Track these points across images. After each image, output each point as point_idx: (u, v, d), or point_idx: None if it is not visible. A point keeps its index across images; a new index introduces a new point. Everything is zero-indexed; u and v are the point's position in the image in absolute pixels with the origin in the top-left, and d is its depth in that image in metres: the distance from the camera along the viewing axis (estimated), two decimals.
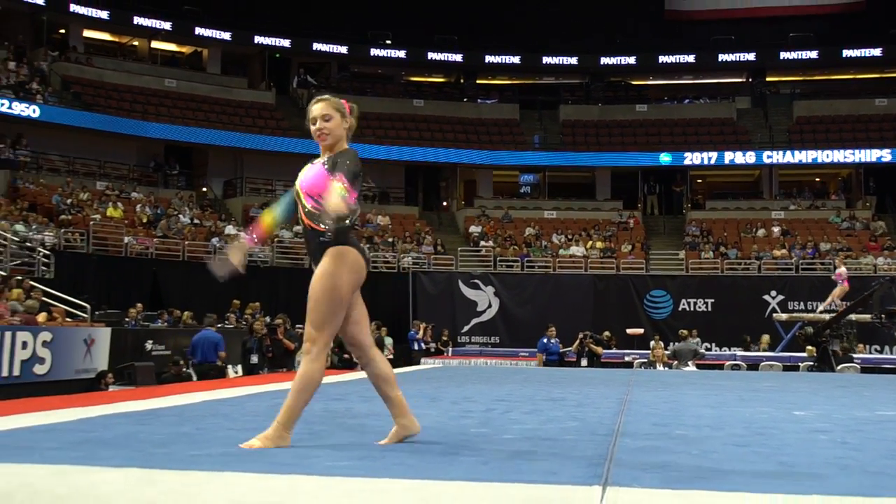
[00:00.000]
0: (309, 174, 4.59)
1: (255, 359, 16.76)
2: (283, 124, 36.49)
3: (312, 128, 4.62)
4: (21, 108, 30.41)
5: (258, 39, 39.30)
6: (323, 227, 4.42)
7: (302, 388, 4.41)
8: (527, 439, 4.81)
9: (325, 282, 4.41)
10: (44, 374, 12.39)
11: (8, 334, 12.15)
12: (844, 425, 5.94)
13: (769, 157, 36.04)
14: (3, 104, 30.08)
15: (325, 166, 4.51)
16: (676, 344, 18.53)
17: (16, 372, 12.02)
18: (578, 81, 42.93)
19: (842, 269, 20.71)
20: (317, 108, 4.62)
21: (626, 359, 20.36)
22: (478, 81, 42.96)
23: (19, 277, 17.28)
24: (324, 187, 4.36)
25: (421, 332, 21.92)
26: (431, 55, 41.28)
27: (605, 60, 41.50)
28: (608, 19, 42.06)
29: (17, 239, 21.71)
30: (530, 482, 3.32)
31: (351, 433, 5.07)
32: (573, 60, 41.47)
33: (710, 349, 21.67)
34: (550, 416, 6.26)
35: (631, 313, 24.95)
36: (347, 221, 4.45)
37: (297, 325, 20.19)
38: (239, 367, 17.54)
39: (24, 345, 12.27)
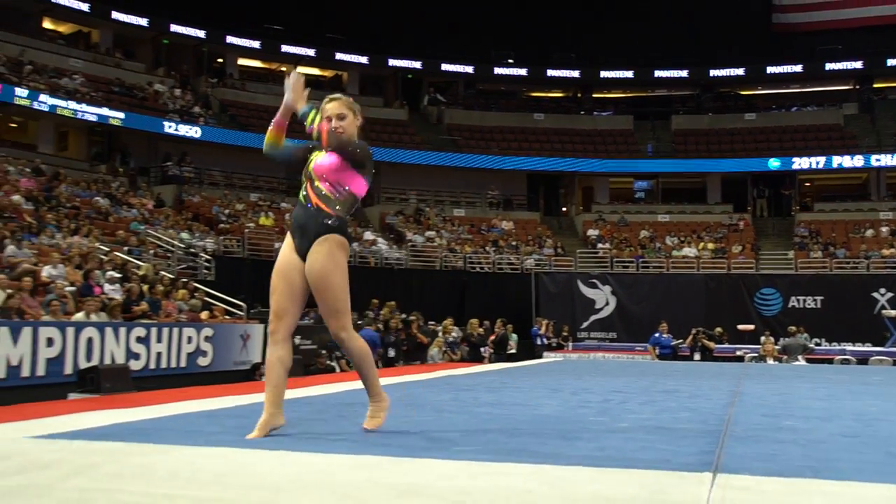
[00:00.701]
0: (325, 161, 4.44)
1: (391, 352, 16.96)
2: (416, 138, 36.91)
3: (326, 125, 4.46)
4: (186, 130, 31.56)
5: (392, 62, 39.83)
6: (333, 212, 4.33)
7: (367, 362, 4.46)
8: (641, 428, 4.74)
9: (340, 274, 4.32)
10: (206, 365, 12.79)
11: (176, 330, 12.61)
12: None
13: (877, 160, 34.61)
14: (171, 126, 31.27)
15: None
16: (786, 339, 17.98)
17: (183, 363, 12.45)
18: (689, 93, 42.12)
19: None
20: (331, 107, 4.52)
21: (738, 353, 19.83)
22: (594, 95, 42.56)
23: (185, 280, 17.91)
24: (343, 176, 4.37)
25: (543, 328, 21.82)
26: (550, 72, 41.12)
27: (714, 72, 40.61)
28: (717, 34, 41.06)
29: (182, 245, 22.50)
30: (644, 468, 3.29)
31: (477, 420, 5.07)
32: (684, 73, 40.74)
33: (819, 344, 20.93)
34: (664, 406, 6.15)
35: (742, 310, 24.30)
36: (347, 211, 4.41)
37: (430, 322, 20.39)
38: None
39: (189, 339, 12.70)
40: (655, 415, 5.52)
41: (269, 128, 4.64)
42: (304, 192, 4.41)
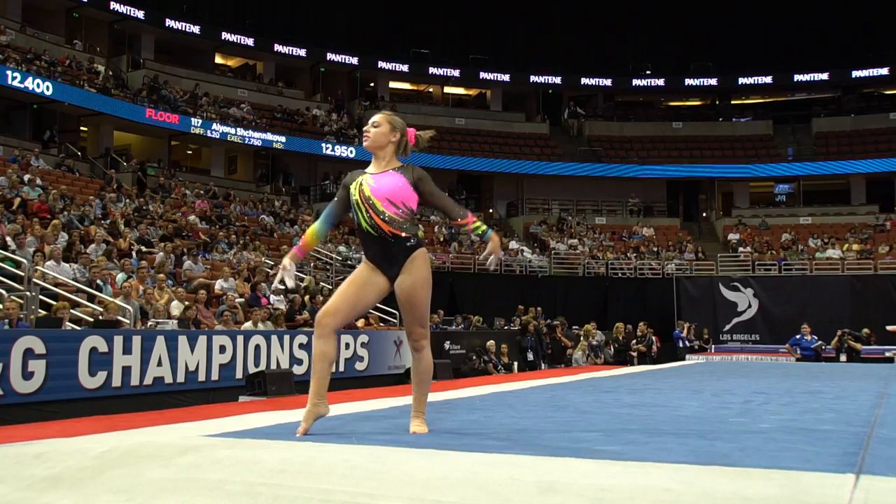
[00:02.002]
0: (384, 183, 4.33)
1: (530, 356, 16.90)
2: (557, 151, 36.75)
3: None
4: (341, 151, 32.44)
5: (533, 79, 39.78)
6: (405, 233, 4.27)
7: (430, 378, 4.42)
8: (783, 428, 4.56)
9: (427, 288, 4.29)
10: (363, 370, 13.05)
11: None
12: None
13: None
14: (328, 148, 32.23)
15: (405, 177, 4.38)
16: None
17: (341, 368, 12.73)
18: (830, 95, 40.31)
19: None
20: (374, 116, 4.57)
21: (887, 354, 18.79)
22: (732, 102, 41.33)
23: None
24: (407, 196, 4.30)
25: (685, 331, 21.32)
26: (688, 81, 40.20)
27: (856, 73, 38.70)
28: (858, 34, 39.17)
29: (340, 258, 23.10)
30: (785, 468, 3.17)
31: (618, 420, 5.00)
32: (824, 76, 38.98)
33: None
34: (807, 407, 5.90)
35: (890, 311, 22.98)
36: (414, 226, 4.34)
37: (574, 326, 20.23)
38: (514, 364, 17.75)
39: (347, 346, 12.99)
40: (798, 416, 5.31)
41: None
42: (369, 223, 4.29)
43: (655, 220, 34.49)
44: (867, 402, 6.39)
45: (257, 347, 11.08)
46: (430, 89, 41.02)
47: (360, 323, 15.63)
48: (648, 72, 40.66)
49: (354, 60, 37.48)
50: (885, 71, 38.23)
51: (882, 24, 38.84)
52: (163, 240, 17.44)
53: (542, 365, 17.32)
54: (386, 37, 39.73)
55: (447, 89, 40.75)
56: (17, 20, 28.92)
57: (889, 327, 21.00)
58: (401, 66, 38.54)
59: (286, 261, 4.50)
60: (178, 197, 23.75)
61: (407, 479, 2.96)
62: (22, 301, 10.68)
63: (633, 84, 40.53)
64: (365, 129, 4.52)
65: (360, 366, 13.17)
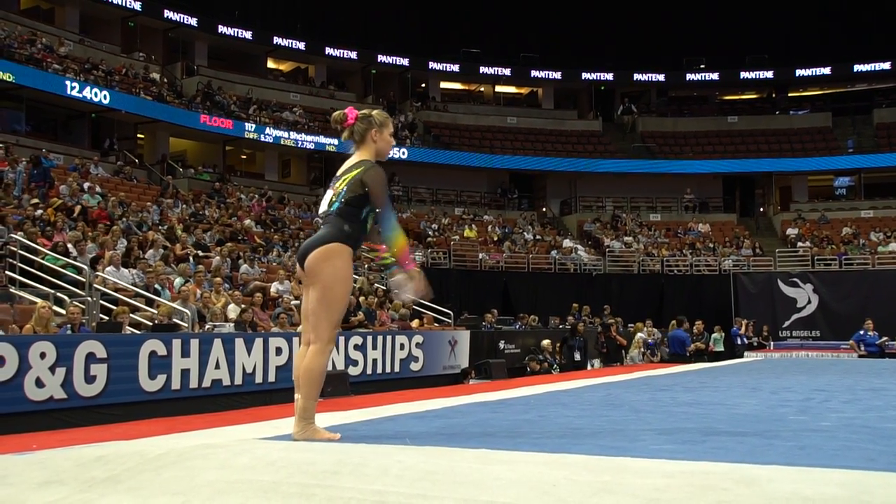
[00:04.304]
0: None
1: (577, 356, 16.78)
2: (610, 148, 36.48)
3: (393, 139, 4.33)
4: (393, 152, 32.46)
5: (585, 76, 39.53)
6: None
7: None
8: (845, 427, 4.47)
9: None
10: (418, 370, 13.09)
11: (389, 338, 13.00)
12: None
13: None
14: None
15: None
16: None
17: (396, 368, 12.80)
18: (892, 85, 39.35)
19: None
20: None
21: None
22: (789, 94, 40.59)
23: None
24: None
25: (743, 328, 21.00)
26: (743, 74, 39.60)
27: None
28: None
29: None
30: (846, 467, 3.10)
31: (674, 419, 4.95)
32: (886, 66, 38.07)
33: None
34: (870, 405, 5.77)
35: None
36: None
37: (629, 325, 20.06)
38: (596, 361, 17.65)
39: (402, 346, 13.04)
40: (860, 413, 5.19)
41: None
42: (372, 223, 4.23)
43: (711, 216, 34.03)
44: None
45: None
46: (482, 88, 40.98)
47: (415, 323, 15.69)
48: (702, 66, 40.14)
49: (405, 62, 37.61)
50: None
51: None
52: (219, 244, 17.69)
53: (591, 365, 17.18)
54: (436, 37, 39.83)
55: (498, 88, 40.70)
56: (75, 31, 29.58)
57: None
58: (451, 66, 38.58)
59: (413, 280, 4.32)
60: (234, 201, 24.06)
61: (460, 480, 2.95)
62: (84, 306, 10.91)
63: (687, 79, 40.05)
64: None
65: (414, 366, 13.21)
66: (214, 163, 30.21)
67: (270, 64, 36.75)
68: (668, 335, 18.88)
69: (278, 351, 10.62)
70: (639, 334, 18.87)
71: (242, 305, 12.95)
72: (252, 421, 4.88)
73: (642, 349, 18.45)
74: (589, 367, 16.62)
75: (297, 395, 4.09)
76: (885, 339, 18.23)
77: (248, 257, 16.97)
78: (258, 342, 10.41)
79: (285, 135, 30.42)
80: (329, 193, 4.13)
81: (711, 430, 4.36)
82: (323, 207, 4.15)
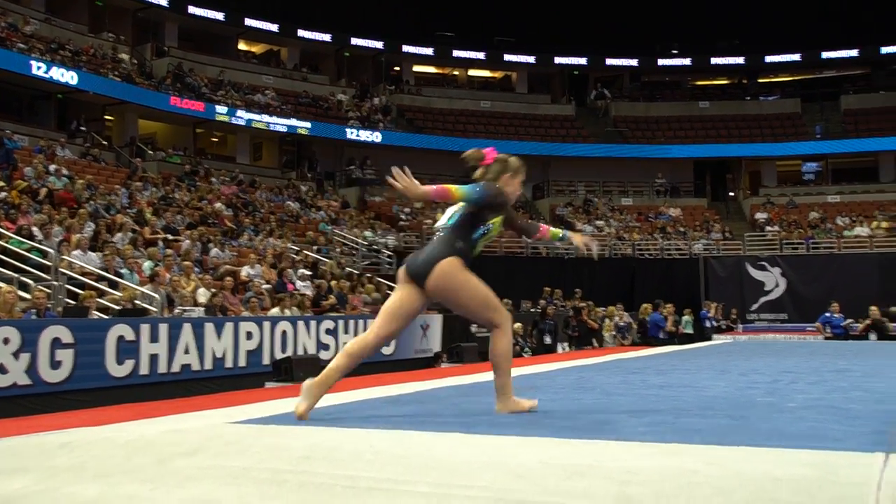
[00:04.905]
0: None
1: (548, 339, 16.84)
2: (583, 132, 36.54)
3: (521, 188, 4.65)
4: (367, 136, 32.47)
5: (558, 60, 39.53)
6: None
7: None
8: (811, 408, 4.52)
9: None
10: (390, 354, 13.06)
11: (361, 322, 12.97)
12: None
13: None
14: (353, 133, 32.27)
15: None
16: None
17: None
18: (860, 72, 39.75)
19: None
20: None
21: None
22: (759, 80, 40.87)
23: (369, 275, 18.41)
24: None
25: (712, 311, 21.19)
26: (714, 60, 39.80)
27: (885, 50, 38.12)
28: (888, 10, 38.49)
29: (366, 243, 23.14)
30: (813, 448, 3.14)
31: (645, 402, 4.98)
32: (853, 53, 38.46)
33: None
34: (835, 386, 5.84)
35: None
36: None
37: (600, 308, 20.16)
38: (565, 345, 17.67)
39: None
40: (826, 394, 5.26)
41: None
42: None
43: (682, 201, 34.26)
44: None
45: (284, 333, 11.12)
46: (455, 72, 40.88)
47: None
48: (675, 51, 40.29)
49: (379, 45, 37.44)
50: None
51: None
52: (189, 227, 17.54)
53: (561, 348, 17.25)
54: (410, 20, 39.65)
55: (472, 72, 40.61)
56: (41, 10, 29.09)
57: None
58: (425, 49, 38.46)
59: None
60: (205, 185, 23.86)
61: (433, 464, 2.95)
62: (49, 291, 10.77)
63: (660, 64, 40.21)
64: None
65: (386, 350, 13.19)
66: (185, 145, 29.92)
67: (242, 46, 36.40)
68: (647, 318, 19.02)
69: (249, 335, 10.56)
70: (614, 318, 18.99)
71: (213, 290, 12.86)
72: (222, 406, 4.84)
73: (614, 332, 18.57)
74: (560, 351, 16.69)
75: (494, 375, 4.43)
76: (849, 321, 18.45)
77: (219, 241, 16.85)
78: (228, 327, 10.34)
79: (257, 118, 30.19)
80: (451, 209, 4.38)
81: (682, 412, 4.39)
82: (442, 221, 4.42)
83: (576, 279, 24.46)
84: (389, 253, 22.77)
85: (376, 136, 32.44)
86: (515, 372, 7.55)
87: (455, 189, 4.15)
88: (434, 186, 4.16)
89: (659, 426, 3.85)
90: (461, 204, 4.27)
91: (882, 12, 37.93)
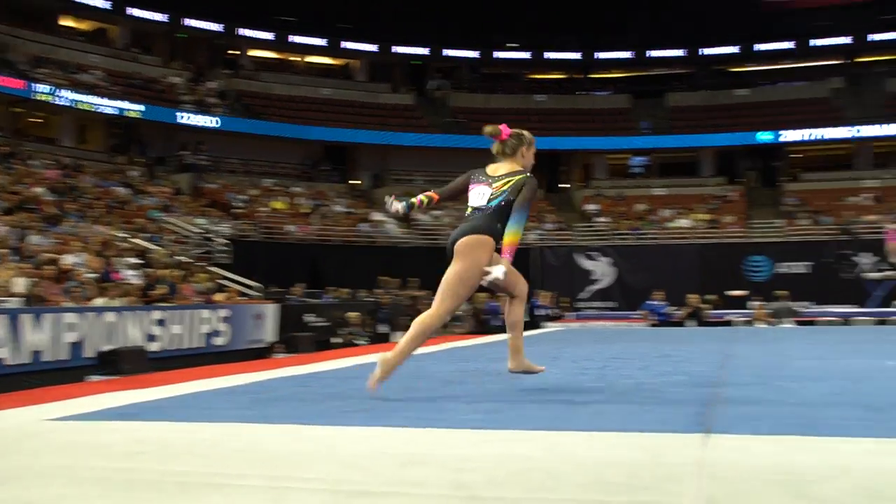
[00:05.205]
0: None
1: (382, 328, 16.92)
2: (422, 122, 36.78)
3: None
4: (203, 120, 31.56)
5: (399, 50, 39.61)
6: None
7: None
8: (638, 392, 4.70)
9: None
10: (223, 344, 12.78)
11: (192, 312, 12.61)
12: None
13: (862, 131, 34.41)
14: (187, 117, 31.26)
15: None
16: (775, 303, 17.90)
17: (200, 343, 12.44)
18: (684, 71, 41.84)
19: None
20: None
21: (729, 318, 19.72)
22: (592, 76, 42.33)
23: (202, 263, 17.90)
24: None
25: (543, 299, 21.76)
26: (551, 55, 40.92)
27: (707, 51, 40.33)
28: (710, 13, 40.58)
29: (199, 231, 22.48)
30: (641, 430, 3.27)
31: (480, 390, 5.04)
32: (679, 52, 40.49)
33: (807, 307, 20.74)
34: (660, 370, 6.11)
35: (733, 277, 24.14)
36: None
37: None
38: (399, 334, 17.71)
39: (206, 320, 12.68)
40: (652, 379, 5.48)
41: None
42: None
43: None
44: (714, 364, 6.70)
45: (110, 324, 10.65)
46: (295, 58, 40.26)
47: (220, 297, 15.30)
48: (512, 45, 41.11)
49: (216, 27, 36.40)
50: (734, 49, 40.03)
51: (731, 4, 40.40)
52: (6, 213, 16.50)
53: (397, 337, 17.33)
54: (249, 3, 38.62)
55: (312, 59, 40.10)
56: None
57: (731, 292, 22.08)
58: (264, 33, 37.72)
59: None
60: (24, 168, 22.51)
61: (268, 457, 2.89)
62: None
63: (498, 57, 40.94)
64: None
65: (219, 340, 12.88)
66: (1, 125, 28.11)
67: (67, 22, 34.48)
68: (484, 307, 19.36)
69: (71, 327, 10.05)
70: None
71: (32, 279, 12.16)
72: (41, 402, 4.57)
73: (448, 321, 18.78)
74: (396, 340, 16.74)
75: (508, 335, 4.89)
76: (672, 308, 19.38)
77: (40, 227, 15.94)
78: (48, 318, 9.80)
79: (83, 98, 28.74)
80: (485, 189, 4.68)
81: (517, 398, 4.47)
82: (479, 202, 4.68)
83: (413, 268, 24.62)
84: (224, 241, 22.21)
85: (214, 122, 31.58)
86: (353, 361, 7.54)
87: (516, 233, 4.55)
88: (508, 252, 4.55)
89: (494, 413, 3.91)
90: (503, 188, 4.65)
91: (706, 16, 39.83)
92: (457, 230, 4.68)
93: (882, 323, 18.00)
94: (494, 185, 4.68)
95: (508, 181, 4.67)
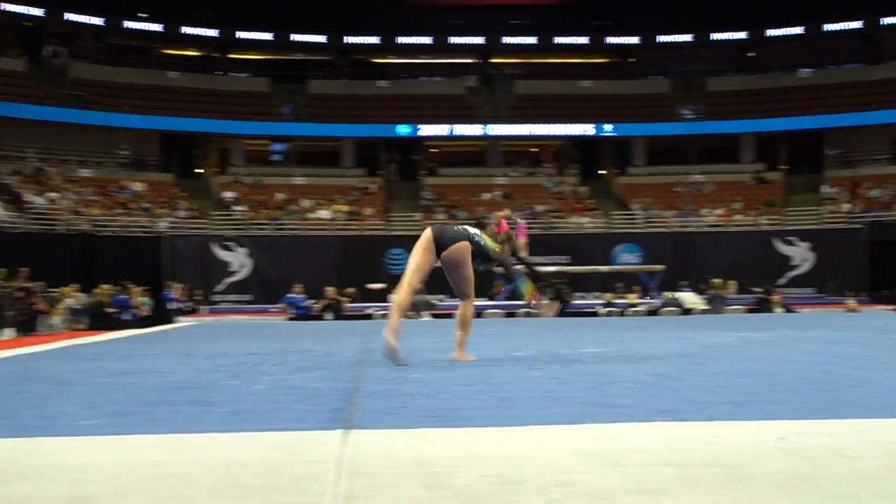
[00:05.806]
0: None
1: None
2: (37, 92, 33.95)
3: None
4: None
5: (6, 7, 36.12)
6: None
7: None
8: (276, 389, 4.73)
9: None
10: None
11: None
12: (554, 363, 6.22)
13: (493, 129, 37.29)
14: None
15: None
16: (414, 297, 18.86)
17: None
18: (326, 58, 42.50)
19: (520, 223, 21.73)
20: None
21: (368, 311, 20.45)
22: (231, 56, 41.67)
23: None
24: None
25: (176, 292, 21.17)
26: (186, 29, 39.58)
27: (350, 39, 41.27)
28: (355, 3, 41.64)
29: None
30: (279, 429, 3.29)
31: (103, 391, 4.79)
32: (322, 38, 40.94)
33: (442, 300, 22.10)
34: (298, 366, 6.20)
35: (373, 270, 25.11)
36: None
37: (52, 289, 19.02)
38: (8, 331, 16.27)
39: None
40: (290, 375, 5.55)
41: None
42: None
43: (147, 175, 33.70)
44: (353, 358, 6.92)
45: None
46: None
47: None
48: (145, 15, 39.30)
49: None
50: (375, 40, 41.41)
51: None
52: None
53: (7, 334, 16.00)
54: None
55: None
56: None
57: (371, 285, 22.98)
58: None
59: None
60: None
61: None
62: None
63: (127, 26, 38.88)
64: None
65: None
66: None
67: None
68: (110, 300, 18.39)
69: None
70: (67, 300, 18.03)
71: None
72: None
73: (68, 316, 17.67)
74: (3, 337, 15.42)
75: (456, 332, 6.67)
76: (310, 301, 19.70)
77: None
78: None
79: None
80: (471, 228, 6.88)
81: (144, 400, 4.30)
82: (462, 225, 6.95)
83: (23, 256, 22.77)
84: None
85: None
86: None
87: (526, 283, 7.51)
88: (534, 293, 7.38)
89: (118, 416, 3.75)
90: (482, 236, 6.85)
91: (351, 4, 40.88)
92: (442, 232, 6.71)
93: (510, 315, 19.63)
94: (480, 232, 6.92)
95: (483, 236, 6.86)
